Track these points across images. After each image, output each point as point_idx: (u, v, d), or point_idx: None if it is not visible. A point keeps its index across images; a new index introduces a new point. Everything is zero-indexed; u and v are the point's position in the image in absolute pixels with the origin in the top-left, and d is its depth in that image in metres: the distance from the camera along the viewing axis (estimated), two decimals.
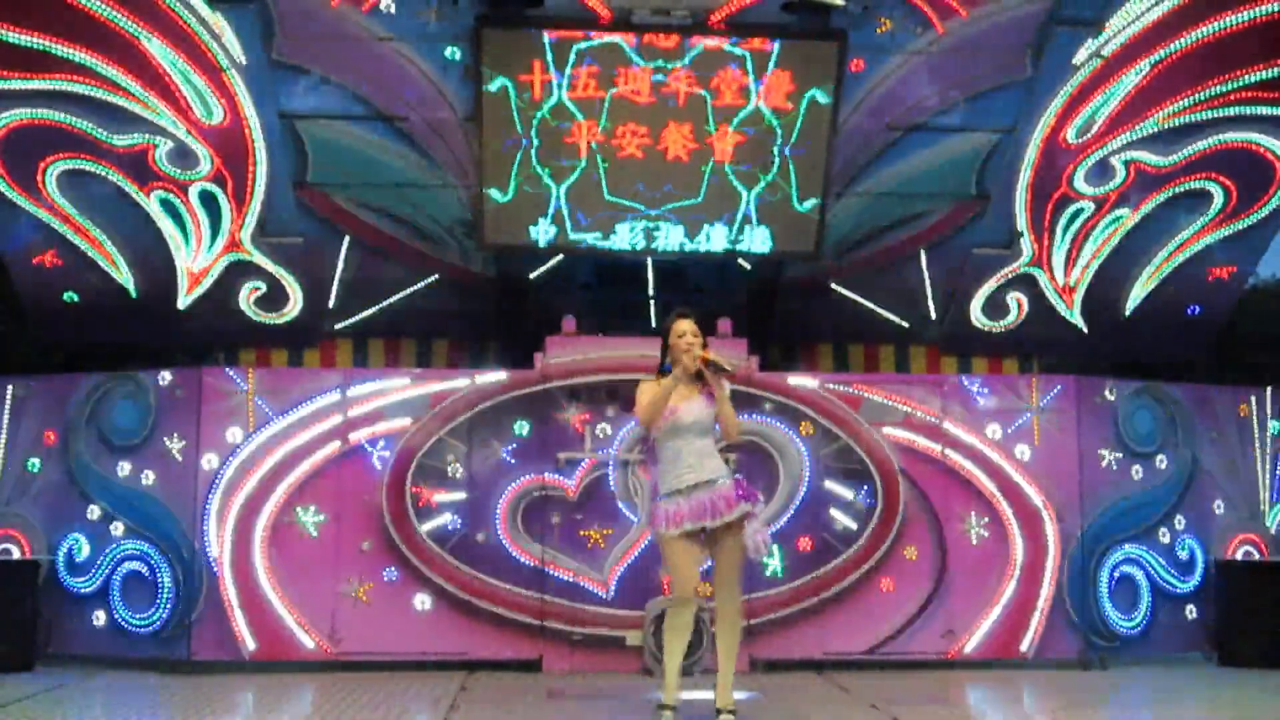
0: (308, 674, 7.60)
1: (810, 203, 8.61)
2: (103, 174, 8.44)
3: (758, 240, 8.71)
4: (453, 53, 8.27)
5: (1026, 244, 9.09)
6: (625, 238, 8.61)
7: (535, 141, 8.33)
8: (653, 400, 5.43)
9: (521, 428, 8.02)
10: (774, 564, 7.92)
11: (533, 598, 7.82)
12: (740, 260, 9.46)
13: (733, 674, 5.52)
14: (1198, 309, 9.54)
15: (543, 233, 8.57)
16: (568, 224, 8.56)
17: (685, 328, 5.50)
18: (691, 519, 5.37)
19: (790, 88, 8.26)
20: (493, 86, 8.14)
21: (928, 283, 9.56)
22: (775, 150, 8.44)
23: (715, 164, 8.47)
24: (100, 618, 8.03)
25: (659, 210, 8.56)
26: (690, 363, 5.41)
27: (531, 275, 9.66)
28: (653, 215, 8.57)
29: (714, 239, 8.67)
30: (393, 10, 8.05)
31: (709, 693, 5.80)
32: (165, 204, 8.59)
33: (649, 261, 9.56)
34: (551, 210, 8.51)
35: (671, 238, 8.63)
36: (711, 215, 8.61)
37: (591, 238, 8.61)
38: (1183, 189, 8.95)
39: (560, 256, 9.27)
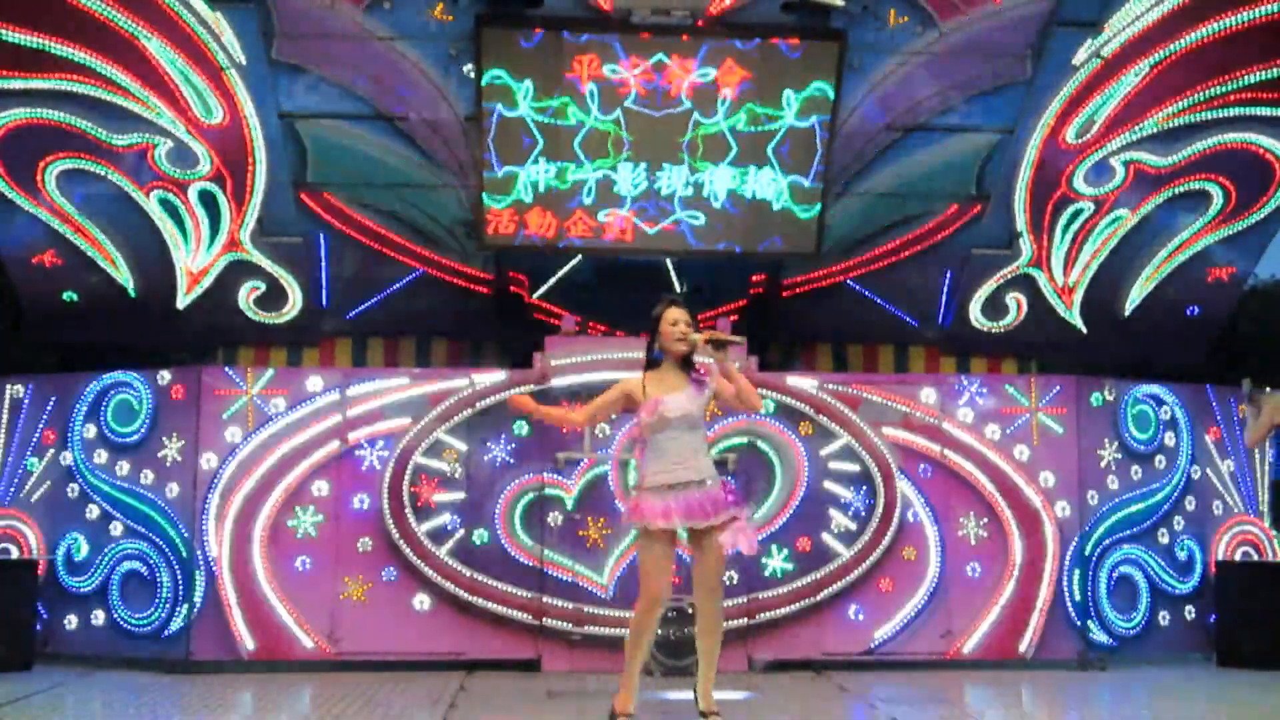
0: (306, 674, 7.59)
1: (810, 207, 8.62)
2: (102, 174, 8.45)
3: (764, 183, 8.58)
4: (453, 52, 8.27)
5: (1026, 244, 9.09)
6: (628, 177, 8.54)
7: (539, 135, 8.34)
8: (603, 404, 5.50)
9: (521, 428, 8.02)
10: (774, 564, 7.93)
11: (532, 597, 7.82)
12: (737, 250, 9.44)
13: (714, 676, 5.35)
14: (1197, 309, 9.54)
15: (541, 173, 8.45)
16: (569, 164, 8.43)
17: (677, 315, 5.38)
18: (682, 517, 5.20)
19: (794, 39, 8.16)
20: (492, 84, 8.14)
21: (927, 283, 9.55)
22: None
23: (722, 102, 8.35)
24: (99, 617, 8.03)
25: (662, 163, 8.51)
26: (683, 347, 5.33)
27: (531, 275, 9.65)
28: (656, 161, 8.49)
29: (717, 181, 8.60)
30: (392, 9, 8.05)
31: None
32: (165, 203, 8.60)
33: (648, 261, 9.56)
34: (541, 149, 8.39)
35: (675, 178, 8.56)
36: (716, 158, 8.50)
37: (595, 177, 8.48)
38: (1182, 189, 8.95)
39: (562, 257, 9.26)
